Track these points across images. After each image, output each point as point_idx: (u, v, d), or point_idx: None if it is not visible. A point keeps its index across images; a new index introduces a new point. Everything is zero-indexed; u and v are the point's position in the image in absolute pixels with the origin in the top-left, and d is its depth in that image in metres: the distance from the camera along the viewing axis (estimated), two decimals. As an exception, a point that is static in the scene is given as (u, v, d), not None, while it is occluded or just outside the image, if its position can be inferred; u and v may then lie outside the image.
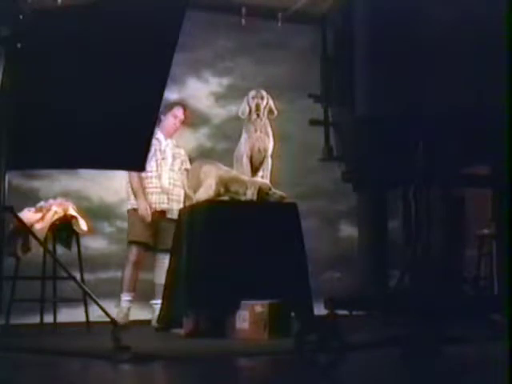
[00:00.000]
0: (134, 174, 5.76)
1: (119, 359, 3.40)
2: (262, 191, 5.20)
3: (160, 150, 5.94)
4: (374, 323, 4.85)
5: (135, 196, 5.80)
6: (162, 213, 5.86)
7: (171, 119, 6.01)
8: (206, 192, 5.28)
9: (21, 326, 5.37)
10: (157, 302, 5.62)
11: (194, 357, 3.85)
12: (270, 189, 5.26)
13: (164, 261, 5.62)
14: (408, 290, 3.45)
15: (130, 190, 5.85)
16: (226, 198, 5.31)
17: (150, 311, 5.79)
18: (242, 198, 5.20)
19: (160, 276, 5.65)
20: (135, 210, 5.80)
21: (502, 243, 5.76)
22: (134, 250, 5.76)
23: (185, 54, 6.09)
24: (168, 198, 5.87)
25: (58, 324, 5.65)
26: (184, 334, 4.83)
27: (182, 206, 5.82)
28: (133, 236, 5.80)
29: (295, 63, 7.04)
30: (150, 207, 5.77)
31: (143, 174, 5.77)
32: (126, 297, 5.73)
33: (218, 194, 5.27)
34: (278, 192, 5.27)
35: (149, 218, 5.73)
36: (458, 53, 3.00)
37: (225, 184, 5.27)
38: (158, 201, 5.84)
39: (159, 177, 5.88)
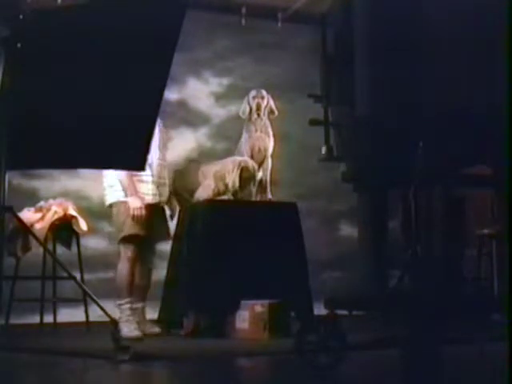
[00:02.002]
0: None
1: (119, 359, 3.40)
2: (244, 170, 5.21)
3: None
4: (374, 323, 4.85)
5: (126, 190, 5.01)
6: (155, 204, 5.17)
7: None
8: (204, 191, 5.29)
9: (21, 326, 5.36)
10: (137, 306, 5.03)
11: (194, 357, 3.85)
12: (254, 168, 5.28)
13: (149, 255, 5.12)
14: (408, 289, 3.45)
15: (109, 183, 5.06)
16: (226, 196, 5.31)
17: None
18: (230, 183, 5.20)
19: (140, 274, 5.07)
20: (123, 202, 5.01)
21: (501, 243, 5.76)
22: (131, 245, 5.01)
23: (185, 54, 6.08)
24: (157, 187, 5.14)
25: (58, 324, 5.64)
26: (184, 333, 4.83)
27: (167, 189, 5.25)
28: (130, 229, 4.98)
29: (295, 63, 7.04)
30: (143, 203, 5.02)
31: None
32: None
33: (218, 193, 5.27)
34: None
35: (142, 217, 5.00)
36: (457, 52, 3.00)
37: (223, 179, 5.27)
38: (148, 192, 5.09)
39: (151, 164, 5.04)
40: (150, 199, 5.08)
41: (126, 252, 5.00)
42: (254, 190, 5.33)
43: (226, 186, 5.26)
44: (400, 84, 3.07)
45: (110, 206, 5.11)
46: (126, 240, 5.00)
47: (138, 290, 5.07)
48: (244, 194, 5.34)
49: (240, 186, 5.21)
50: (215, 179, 5.28)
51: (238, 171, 5.18)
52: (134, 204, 4.97)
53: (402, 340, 3.33)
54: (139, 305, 5.08)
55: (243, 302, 4.68)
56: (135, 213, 4.97)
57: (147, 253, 5.15)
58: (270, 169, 5.53)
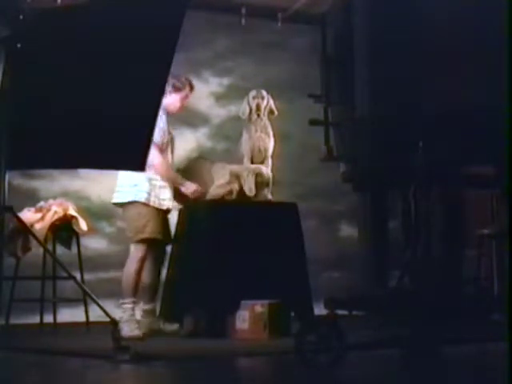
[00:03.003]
0: (159, 162, 4.98)
1: (119, 359, 3.40)
2: (258, 176, 5.23)
3: (163, 128, 5.07)
4: (374, 323, 4.85)
5: (174, 183, 5.11)
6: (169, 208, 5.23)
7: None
8: (222, 188, 5.28)
9: (21, 326, 5.37)
10: (145, 307, 5.08)
11: (194, 357, 3.85)
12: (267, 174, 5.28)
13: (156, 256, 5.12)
14: (408, 289, 3.45)
15: (133, 181, 4.95)
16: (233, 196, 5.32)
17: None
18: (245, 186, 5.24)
19: (151, 274, 5.09)
20: (144, 204, 4.96)
21: (501, 243, 5.76)
22: (145, 247, 4.98)
23: (185, 54, 6.08)
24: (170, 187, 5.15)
25: (58, 324, 5.64)
26: (184, 333, 4.83)
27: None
28: (151, 234, 4.96)
29: (295, 63, 7.04)
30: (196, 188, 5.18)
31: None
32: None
33: (231, 192, 5.27)
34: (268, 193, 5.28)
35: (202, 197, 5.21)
36: (457, 53, 3.01)
37: (239, 181, 5.28)
38: (166, 197, 5.10)
39: (168, 162, 5.18)
40: (169, 204, 5.12)
41: (138, 252, 4.98)
42: (268, 194, 5.32)
43: (242, 189, 5.27)
44: (400, 84, 3.07)
45: (124, 204, 5.02)
46: (143, 242, 4.97)
47: (149, 291, 5.10)
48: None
49: (256, 191, 5.23)
50: (233, 177, 5.28)
51: (254, 177, 5.20)
52: (192, 188, 5.17)
53: (402, 340, 3.33)
54: (150, 305, 5.11)
55: (243, 302, 4.68)
56: (195, 195, 5.17)
57: (159, 253, 5.18)
58: (270, 169, 5.53)
